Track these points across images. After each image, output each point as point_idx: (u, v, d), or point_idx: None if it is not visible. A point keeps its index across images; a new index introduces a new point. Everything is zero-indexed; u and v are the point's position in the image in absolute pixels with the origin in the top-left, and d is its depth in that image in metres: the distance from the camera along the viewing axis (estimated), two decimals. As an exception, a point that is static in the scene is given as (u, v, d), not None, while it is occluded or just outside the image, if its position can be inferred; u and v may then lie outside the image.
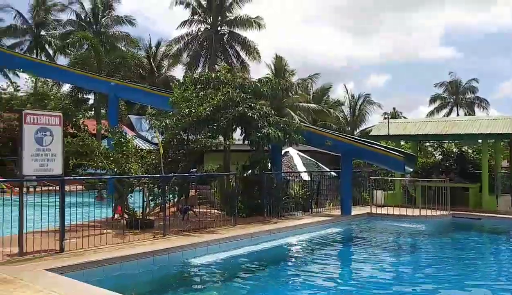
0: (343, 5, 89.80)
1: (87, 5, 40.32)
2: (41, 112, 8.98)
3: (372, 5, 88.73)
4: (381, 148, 15.68)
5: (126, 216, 12.05)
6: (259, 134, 13.49)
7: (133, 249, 9.01)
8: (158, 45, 45.26)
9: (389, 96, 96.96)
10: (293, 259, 11.08)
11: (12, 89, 38.00)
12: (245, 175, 14.79)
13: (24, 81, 38.45)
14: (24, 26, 43.48)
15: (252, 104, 13.95)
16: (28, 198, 9.16)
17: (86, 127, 12.20)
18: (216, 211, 14.71)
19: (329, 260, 11.07)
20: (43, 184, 9.58)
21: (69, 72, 21.75)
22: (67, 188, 9.06)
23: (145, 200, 12.11)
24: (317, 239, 12.69)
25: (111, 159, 11.99)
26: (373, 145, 15.81)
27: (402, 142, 22.79)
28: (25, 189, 9.10)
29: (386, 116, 41.50)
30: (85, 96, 29.41)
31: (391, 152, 15.03)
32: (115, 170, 12.21)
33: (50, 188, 9.57)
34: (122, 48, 37.66)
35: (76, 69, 22.34)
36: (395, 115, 55.40)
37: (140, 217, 11.65)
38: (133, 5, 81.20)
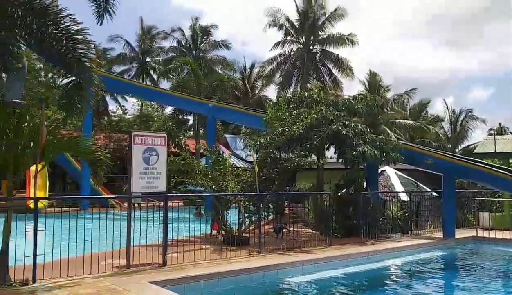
0: (439, 17, 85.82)
1: (187, 32, 42.96)
2: (148, 134, 9.64)
3: (471, 17, 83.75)
4: (489, 167, 14.55)
5: (223, 232, 12.42)
6: (354, 152, 13.23)
7: (230, 265, 9.23)
8: (252, 67, 46.69)
9: (493, 110, 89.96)
10: (392, 284, 10.58)
11: (121, 112, 41.68)
12: (339, 194, 14.54)
13: (131, 105, 42.00)
14: (132, 54, 47.30)
15: (346, 122, 13.77)
16: (135, 213, 9.82)
17: (187, 147, 12.86)
18: (310, 230, 14.60)
19: (432, 286, 10.40)
20: (148, 200, 10.24)
21: (171, 95, 23.20)
22: (169, 204, 9.58)
23: (241, 217, 12.41)
24: (418, 263, 12.01)
25: (210, 176, 12.49)
26: (479, 164, 14.74)
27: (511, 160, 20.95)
28: (133, 203, 9.78)
29: (492, 132, 38.53)
30: (185, 117, 31.12)
31: (502, 171, 13.89)
32: (213, 187, 12.70)
33: (155, 204, 10.18)
34: (219, 71, 39.40)
35: (177, 92, 23.75)
36: (501, 131, 51.17)
37: (236, 234, 11.95)
38: (229, 30, 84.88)
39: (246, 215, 12.53)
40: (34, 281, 7.45)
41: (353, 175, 14.53)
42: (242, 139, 23.76)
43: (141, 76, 46.99)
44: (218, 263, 9.44)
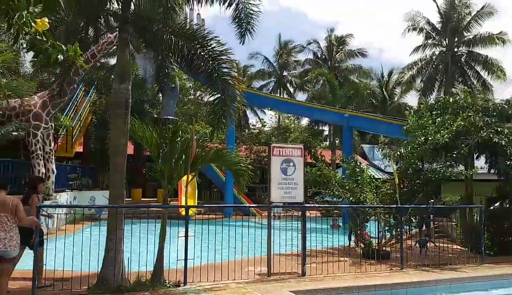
0: None
1: (323, 44, 43.20)
2: (286, 145, 9.99)
3: None
4: None
5: (361, 245, 12.15)
6: (508, 162, 11.94)
7: (370, 279, 8.98)
8: (390, 73, 45.01)
9: None
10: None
11: (260, 125, 43.55)
12: (491, 207, 13.21)
13: (270, 117, 43.66)
14: (270, 69, 49.15)
15: (499, 128, 12.50)
16: (274, 222, 10.15)
17: (323, 158, 12.91)
18: (457, 246, 13.50)
19: None
20: (286, 209, 10.51)
21: (306, 106, 23.55)
22: (307, 214, 9.70)
23: (380, 230, 12.01)
24: None
25: (347, 188, 12.36)
26: None
27: None
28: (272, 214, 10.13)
29: None
30: (321, 128, 31.27)
31: None
32: (350, 198, 12.52)
33: (293, 213, 10.42)
34: (355, 80, 38.82)
35: (312, 103, 24.03)
36: None
37: (376, 248, 11.59)
38: (365, 38, 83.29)
39: (386, 228, 12.10)
40: (185, 283, 8.11)
41: (508, 187, 13.09)
42: (380, 149, 22.98)
43: (278, 90, 48.58)
44: (358, 276, 9.26)
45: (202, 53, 9.01)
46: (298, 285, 8.34)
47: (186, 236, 8.26)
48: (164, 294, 7.58)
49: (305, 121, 33.33)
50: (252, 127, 47.56)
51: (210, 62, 8.99)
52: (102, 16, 9.00)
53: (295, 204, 9.78)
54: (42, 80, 20.09)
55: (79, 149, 24.04)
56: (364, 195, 12.16)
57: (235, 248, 10.43)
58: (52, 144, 16.51)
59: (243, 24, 9.30)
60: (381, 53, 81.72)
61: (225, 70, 9.03)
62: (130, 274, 8.26)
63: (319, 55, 42.99)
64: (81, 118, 22.22)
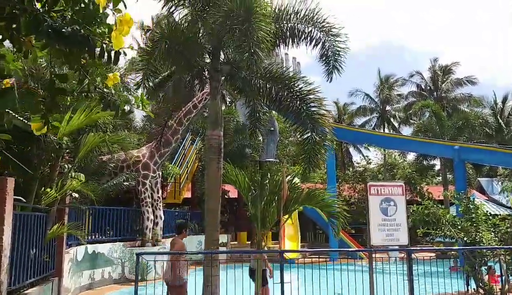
0: None
1: (427, 75, 41.33)
2: (384, 183, 9.40)
3: None
4: None
5: (481, 291, 10.82)
6: None
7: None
8: (504, 99, 41.34)
9: None
10: None
11: (365, 162, 42.22)
12: None
13: (375, 154, 42.23)
14: (372, 105, 47.99)
15: None
16: (376, 265, 9.45)
17: (430, 195, 11.95)
18: None
19: None
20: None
21: (411, 141, 22.32)
22: (418, 255, 8.88)
23: (502, 274, 10.61)
24: None
25: (459, 227, 11.22)
26: None
27: None
28: (374, 257, 9.47)
29: None
30: (430, 162, 29.36)
31: None
32: (464, 239, 11.31)
33: (400, 256, 9.65)
34: (465, 109, 36.23)
35: (418, 137, 22.73)
36: None
37: (499, 293, 10.23)
38: (473, 64, 78.23)
39: (508, 271, 10.66)
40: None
41: None
42: (499, 182, 20.81)
43: (382, 126, 47.06)
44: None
45: (290, 94, 9.00)
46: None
47: (282, 281, 7.99)
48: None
49: (411, 156, 31.54)
50: (357, 165, 46.27)
51: (298, 102, 8.93)
52: (197, 69, 9.40)
53: (399, 246, 9.05)
54: (150, 132, 21.63)
55: (187, 194, 25.16)
56: (480, 234, 10.90)
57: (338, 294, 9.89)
58: (160, 192, 17.47)
59: (331, 62, 9.17)
60: (492, 79, 75.83)
61: (313, 109, 8.89)
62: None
63: (423, 87, 41.09)
64: (188, 165, 23.37)
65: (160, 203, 17.04)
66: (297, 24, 9.10)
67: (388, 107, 47.33)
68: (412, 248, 9.19)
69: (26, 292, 7.21)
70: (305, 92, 8.99)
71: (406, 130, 41.45)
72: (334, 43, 9.12)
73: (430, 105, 25.30)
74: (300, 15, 9.11)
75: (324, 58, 9.27)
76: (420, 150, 23.78)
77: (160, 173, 17.37)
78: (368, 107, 48.12)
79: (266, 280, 8.05)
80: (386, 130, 47.19)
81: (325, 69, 9.30)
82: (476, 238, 10.97)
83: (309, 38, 9.23)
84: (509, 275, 10.67)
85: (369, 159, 48.98)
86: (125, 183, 15.36)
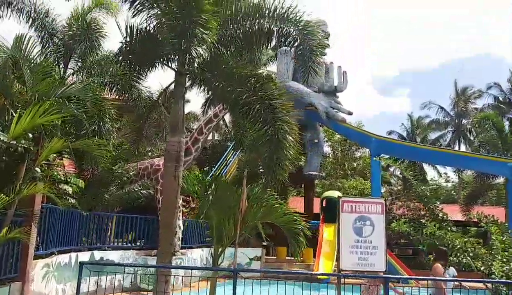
0: None
1: (505, 86, 37.69)
2: (360, 200, 8.28)
3: None
4: None
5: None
6: None
7: None
8: None
9: None
10: None
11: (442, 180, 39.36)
12: None
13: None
14: (446, 119, 44.75)
15: None
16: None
17: (445, 216, 10.47)
18: None
19: None
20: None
21: (461, 156, 20.13)
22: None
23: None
24: None
25: (470, 254, 9.65)
26: None
27: None
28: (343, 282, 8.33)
29: None
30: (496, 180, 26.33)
31: None
32: (482, 268, 9.69)
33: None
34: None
35: (468, 152, 20.41)
36: None
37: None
38: None
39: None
40: None
41: None
42: None
43: (457, 141, 43.75)
44: None
45: (255, 97, 8.26)
46: None
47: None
48: None
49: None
50: (432, 183, 43.19)
51: (263, 106, 8.17)
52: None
53: (374, 273, 7.84)
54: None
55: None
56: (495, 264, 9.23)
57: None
58: (180, 201, 17.27)
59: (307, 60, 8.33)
60: None
61: (279, 115, 8.08)
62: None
63: (501, 99, 37.45)
64: (227, 175, 23.05)
65: (179, 212, 16.82)
66: (268, 23, 8.40)
67: (464, 121, 43.80)
68: (389, 276, 7.95)
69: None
70: (271, 95, 8.22)
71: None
72: (309, 41, 8.28)
73: (490, 117, 22.70)
74: (273, 13, 8.41)
75: (300, 58, 8.46)
76: (471, 167, 21.30)
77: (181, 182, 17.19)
78: (443, 121, 44.91)
79: None
80: (462, 145, 43.67)
81: (302, 70, 8.50)
82: (492, 268, 9.34)
83: (283, 35, 8.49)
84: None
85: (448, 176, 45.72)
86: (143, 191, 15.36)
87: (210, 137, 31.25)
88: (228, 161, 24.14)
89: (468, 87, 43.99)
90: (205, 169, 25.90)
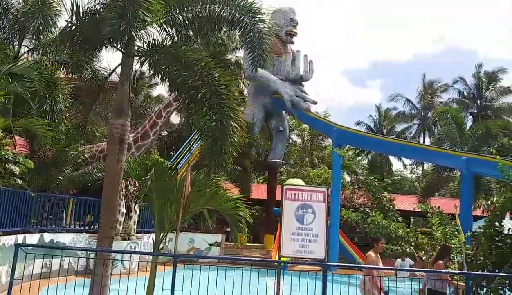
0: None
1: (470, 81, 38.54)
2: (304, 188, 8.40)
3: None
4: None
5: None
6: None
7: None
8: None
9: None
10: None
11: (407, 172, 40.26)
12: None
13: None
14: (413, 111, 45.51)
15: None
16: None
17: (392, 206, 10.67)
18: None
19: None
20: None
21: (418, 149, 20.58)
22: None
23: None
24: None
25: (412, 244, 9.89)
26: None
27: None
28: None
29: None
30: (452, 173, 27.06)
31: None
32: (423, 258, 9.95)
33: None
34: (510, 119, 33.34)
35: (423, 145, 20.80)
36: None
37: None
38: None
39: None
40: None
41: None
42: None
43: (422, 133, 44.67)
44: None
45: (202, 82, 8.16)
46: None
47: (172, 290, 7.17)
48: None
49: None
50: (397, 174, 44.07)
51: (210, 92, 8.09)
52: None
53: (314, 261, 7.95)
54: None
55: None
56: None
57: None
58: (137, 184, 17.07)
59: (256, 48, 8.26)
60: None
61: (225, 101, 8.01)
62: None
63: (465, 94, 38.32)
64: (190, 160, 22.83)
65: (134, 196, 16.62)
66: (218, 8, 8.27)
67: (429, 114, 44.66)
68: (329, 263, 8.06)
69: None
70: (219, 81, 8.14)
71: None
72: (259, 28, 8.21)
73: (450, 111, 23.19)
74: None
75: (250, 45, 8.38)
76: (427, 159, 21.87)
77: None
78: (409, 113, 45.66)
79: None
80: (427, 138, 44.60)
81: (251, 57, 8.42)
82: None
83: (233, 21, 8.38)
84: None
85: (413, 168, 46.63)
86: (98, 174, 15.09)
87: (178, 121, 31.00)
88: (192, 146, 23.93)
89: (435, 81, 44.78)
90: (171, 153, 25.64)
